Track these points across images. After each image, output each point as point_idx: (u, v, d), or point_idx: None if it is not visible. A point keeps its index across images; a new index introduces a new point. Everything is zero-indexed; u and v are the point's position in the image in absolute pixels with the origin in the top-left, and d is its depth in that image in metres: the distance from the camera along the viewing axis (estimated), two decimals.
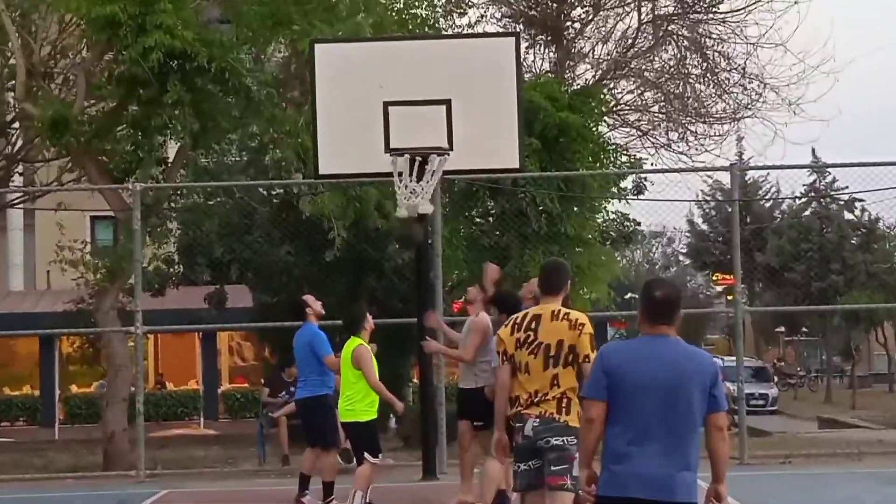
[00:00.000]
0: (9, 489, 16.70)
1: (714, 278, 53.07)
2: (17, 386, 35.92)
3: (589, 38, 22.47)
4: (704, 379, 5.08)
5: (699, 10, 21.61)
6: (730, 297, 27.32)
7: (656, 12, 21.77)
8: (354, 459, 12.14)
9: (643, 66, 22.43)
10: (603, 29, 22.39)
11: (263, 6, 19.14)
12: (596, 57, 22.47)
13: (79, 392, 34.62)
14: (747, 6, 21.22)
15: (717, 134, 23.02)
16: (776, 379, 46.20)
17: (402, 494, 15.10)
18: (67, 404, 34.07)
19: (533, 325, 7.09)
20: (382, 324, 18.56)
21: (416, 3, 21.06)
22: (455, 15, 22.49)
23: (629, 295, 50.70)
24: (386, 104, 14.42)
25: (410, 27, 20.39)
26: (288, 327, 19.71)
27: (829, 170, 38.77)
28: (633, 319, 63.65)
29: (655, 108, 22.72)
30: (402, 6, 21.02)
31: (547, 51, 21.98)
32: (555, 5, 21.58)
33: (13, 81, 21.62)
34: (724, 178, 29.85)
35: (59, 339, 33.24)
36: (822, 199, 43.27)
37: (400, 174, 14.53)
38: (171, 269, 26.33)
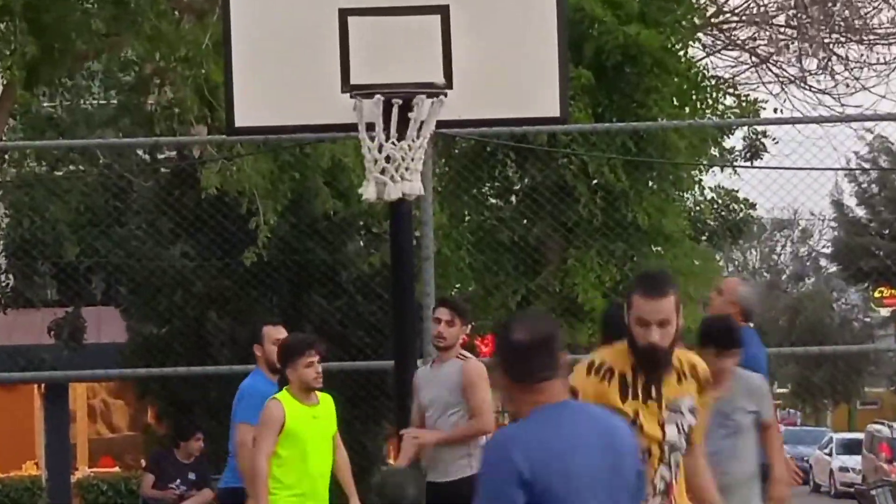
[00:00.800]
0: None
1: (878, 294, 48.60)
2: None
3: None
4: (636, 455, 4.96)
5: None
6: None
7: None
8: None
9: None
10: None
11: None
12: None
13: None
14: None
15: (882, 61, 21.86)
16: None
17: None
18: None
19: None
20: (337, 368, 17.84)
21: None
22: None
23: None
24: (343, 13, 11.87)
25: None
26: (184, 375, 19.91)
27: None
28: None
29: (782, 19, 21.55)
30: None
31: None
32: None
33: None
34: (894, 132, 28.10)
35: None
36: None
37: (368, 127, 11.73)
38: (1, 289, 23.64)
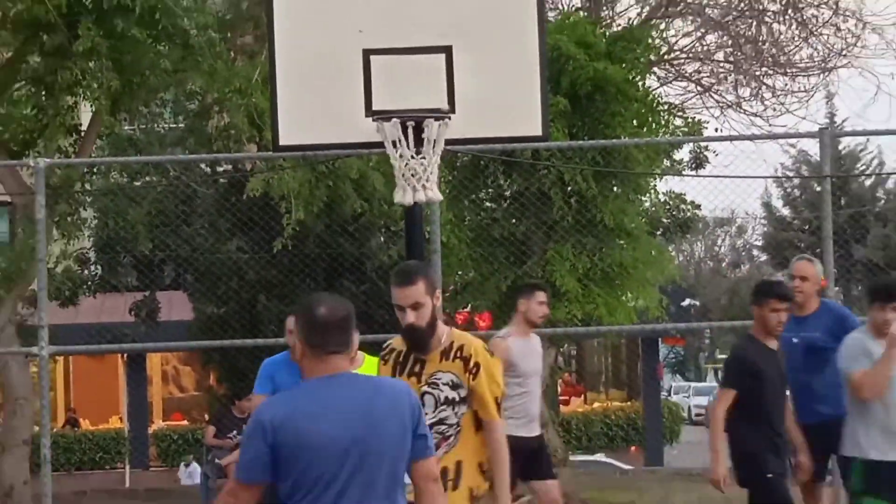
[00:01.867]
0: None
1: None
2: None
3: None
4: (405, 418, 4.79)
5: None
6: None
7: None
8: None
9: (705, 3, 21.32)
10: None
11: None
12: None
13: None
14: None
15: (802, 89, 21.53)
16: None
17: None
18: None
19: None
20: (362, 340, 19.37)
21: None
22: None
23: (688, 301, 47.62)
24: (366, 52, 11.28)
25: None
26: (240, 346, 19.73)
27: None
28: (693, 334, 62.48)
29: (721, 56, 21.46)
30: None
31: None
32: None
33: None
34: (812, 147, 28.99)
35: None
36: None
37: (395, 145, 11.76)
38: (86, 272, 24.38)
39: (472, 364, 6.40)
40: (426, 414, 5.89)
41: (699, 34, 21.67)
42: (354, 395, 4.76)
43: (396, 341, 6.69)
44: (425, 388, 6.48)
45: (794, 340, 10.12)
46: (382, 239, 22.52)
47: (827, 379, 10.02)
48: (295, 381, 8.87)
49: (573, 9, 20.16)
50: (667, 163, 20.87)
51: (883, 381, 8.77)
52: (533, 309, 11.35)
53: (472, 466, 6.45)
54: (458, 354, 6.43)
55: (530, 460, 10.82)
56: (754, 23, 21.20)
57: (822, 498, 10.82)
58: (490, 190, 18.70)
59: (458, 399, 6.44)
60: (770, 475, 9.37)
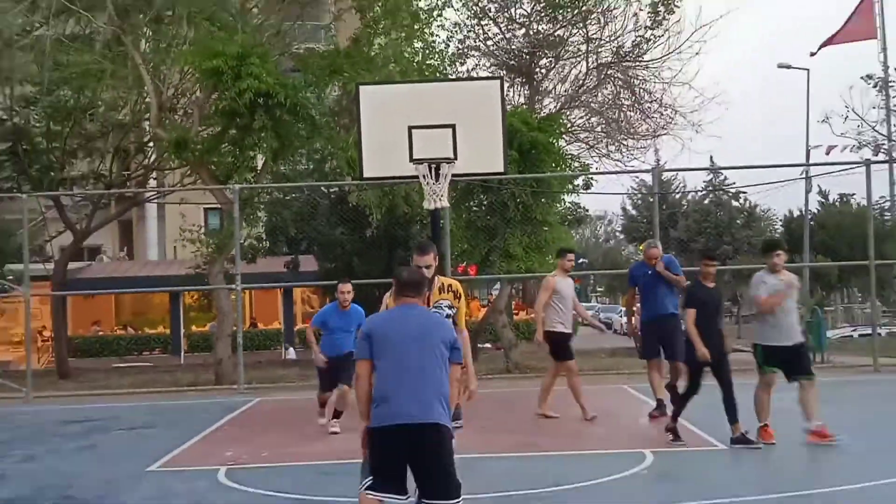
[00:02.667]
0: (148, 399, 18.27)
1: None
2: (154, 326, 38.19)
3: (551, 80, 23.77)
4: (446, 337, 5.75)
5: (629, 60, 22.24)
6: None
7: (599, 61, 23.00)
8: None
9: (590, 100, 23.42)
10: (561, 73, 23.75)
11: (323, 59, 20.73)
12: (556, 93, 23.76)
13: (197, 331, 36.03)
14: (663, 56, 22.17)
15: (642, 147, 24.19)
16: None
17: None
18: (189, 339, 35.67)
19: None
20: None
21: (430, 56, 21.94)
22: (457, 63, 22.91)
23: (581, 260, 51.33)
24: (410, 128, 15.15)
25: (427, 73, 21.25)
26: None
27: (721, 171, 40.73)
28: (584, 278, 64.40)
29: (599, 129, 23.69)
30: (420, 59, 21.75)
31: (522, 89, 23.42)
32: (527, 56, 22.90)
33: (148, 114, 22.44)
34: (647, 177, 30.00)
35: (182, 294, 34.00)
36: (716, 192, 44.10)
37: (424, 177, 15.30)
38: (261, 245, 26.34)
39: (457, 294, 7.30)
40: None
41: (587, 117, 23.42)
42: (416, 314, 5.81)
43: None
44: (433, 309, 7.09)
45: (649, 272, 12.47)
46: (419, 227, 23.55)
47: (659, 294, 12.29)
48: (338, 322, 11.17)
49: (519, 104, 22.00)
50: (570, 186, 22.74)
51: (776, 303, 9.87)
52: (566, 264, 13.04)
53: None
54: (449, 289, 7.29)
55: (564, 345, 12.66)
56: (617, 111, 22.96)
57: (661, 367, 12.44)
58: (474, 201, 20.96)
59: (450, 314, 7.12)
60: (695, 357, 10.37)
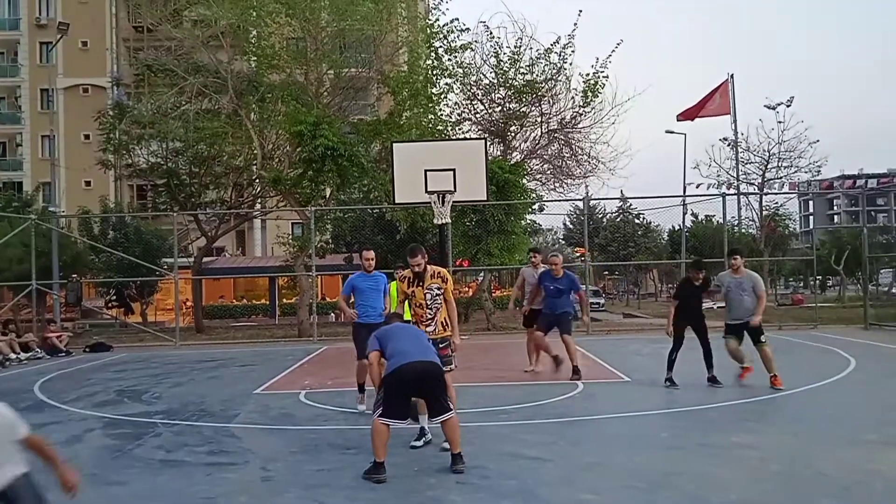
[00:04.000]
0: (253, 346, 18.17)
1: (576, 251, 51.82)
2: (258, 299, 37.18)
3: (518, 140, 23.03)
4: (427, 339, 5.99)
5: (568, 127, 22.05)
6: (583, 259, 25.56)
7: (549, 128, 22.14)
8: None
9: (543, 153, 22.93)
10: (524, 136, 22.65)
11: (369, 126, 21.14)
12: (521, 149, 23.00)
13: (286, 302, 33.67)
14: (591, 125, 22.05)
15: (576, 184, 23.82)
16: (604, 295, 46.75)
17: None
18: (281, 307, 34.14)
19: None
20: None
21: (439, 123, 21.81)
22: (456, 128, 22.68)
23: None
24: (426, 170, 15.87)
25: (436, 134, 21.19)
26: (381, 272, 22.30)
27: (628, 199, 40.60)
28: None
29: (548, 172, 23.31)
30: (432, 125, 21.52)
31: (498, 145, 22.65)
32: (502, 125, 22.37)
33: (255, 161, 22.76)
34: (580, 203, 30.02)
35: (277, 278, 33.01)
36: (624, 213, 45.56)
37: (434, 202, 16.03)
38: (328, 246, 26.02)
39: (444, 279, 6.72)
40: (429, 300, 6.60)
41: (541, 164, 23.22)
42: (406, 327, 5.91)
43: (408, 272, 6.72)
44: (426, 291, 6.61)
45: (551, 287, 10.59)
46: (431, 235, 22.96)
47: (559, 301, 10.60)
48: (366, 282, 8.17)
49: (496, 155, 21.68)
50: (530, 210, 23.32)
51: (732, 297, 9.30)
52: (534, 259, 11.56)
53: (443, 316, 6.70)
54: (438, 275, 6.70)
55: (532, 318, 11.02)
56: (561, 161, 22.82)
57: (543, 339, 10.70)
58: (467, 218, 20.73)
59: (439, 294, 6.66)
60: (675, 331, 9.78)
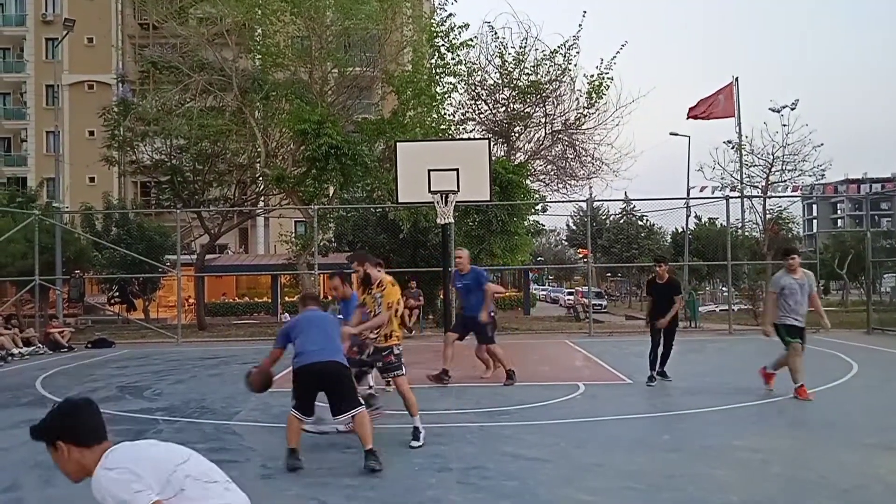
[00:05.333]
0: (255, 344, 17.81)
1: (579, 251, 53.15)
2: (261, 297, 37.04)
3: (521, 141, 22.91)
4: (334, 322, 5.94)
5: (573, 128, 21.92)
6: (585, 260, 26.81)
7: (553, 129, 22.41)
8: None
9: (546, 154, 22.85)
10: (528, 136, 22.96)
11: (373, 125, 20.85)
12: (525, 149, 22.90)
13: (288, 300, 32.99)
14: (595, 126, 21.96)
15: (580, 185, 23.77)
16: (606, 296, 47.16)
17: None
18: (284, 306, 33.46)
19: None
20: (427, 271, 20.82)
21: (442, 123, 21.58)
22: (460, 128, 22.50)
23: (539, 258, 50.90)
24: (429, 170, 15.62)
25: (440, 134, 21.01)
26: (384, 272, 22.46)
27: (631, 201, 41.21)
28: (539, 270, 64.77)
29: (552, 173, 23.18)
30: (436, 125, 21.22)
31: (502, 146, 22.55)
32: (506, 125, 22.29)
33: (259, 159, 22.42)
34: (583, 205, 31.63)
35: (280, 275, 32.14)
36: (627, 215, 45.66)
37: (437, 202, 15.82)
38: (330, 245, 25.33)
39: (384, 289, 6.68)
40: (378, 307, 6.62)
41: (545, 165, 22.92)
42: (317, 314, 5.90)
43: (356, 278, 6.94)
44: (372, 298, 6.72)
45: (459, 285, 10.17)
46: (433, 235, 22.36)
47: (469, 301, 10.03)
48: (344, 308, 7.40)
49: (500, 155, 21.62)
50: (533, 210, 22.82)
51: (770, 306, 8.78)
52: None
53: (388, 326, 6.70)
54: (379, 285, 6.73)
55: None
56: (564, 162, 22.73)
57: (449, 342, 10.13)
58: (470, 218, 20.63)
59: (381, 302, 6.67)
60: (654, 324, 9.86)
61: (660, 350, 9.92)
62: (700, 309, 25.16)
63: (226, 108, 21.99)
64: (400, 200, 16.82)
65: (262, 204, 27.80)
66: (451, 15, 21.13)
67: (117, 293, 27.18)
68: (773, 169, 28.00)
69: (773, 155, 27.90)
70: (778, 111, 28.63)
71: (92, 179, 39.52)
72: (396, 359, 6.63)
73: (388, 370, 6.63)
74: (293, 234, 25.18)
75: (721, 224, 34.16)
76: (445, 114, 22.07)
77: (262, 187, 25.76)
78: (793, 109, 28.18)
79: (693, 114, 28.48)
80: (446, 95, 21.80)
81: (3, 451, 6.42)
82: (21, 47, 45.20)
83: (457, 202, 16.33)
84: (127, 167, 26.74)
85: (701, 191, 28.34)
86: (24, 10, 44.95)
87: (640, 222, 45.45)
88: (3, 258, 20.80)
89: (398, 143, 17.12)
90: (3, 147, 46.36)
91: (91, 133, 38.09)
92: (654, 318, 9.74)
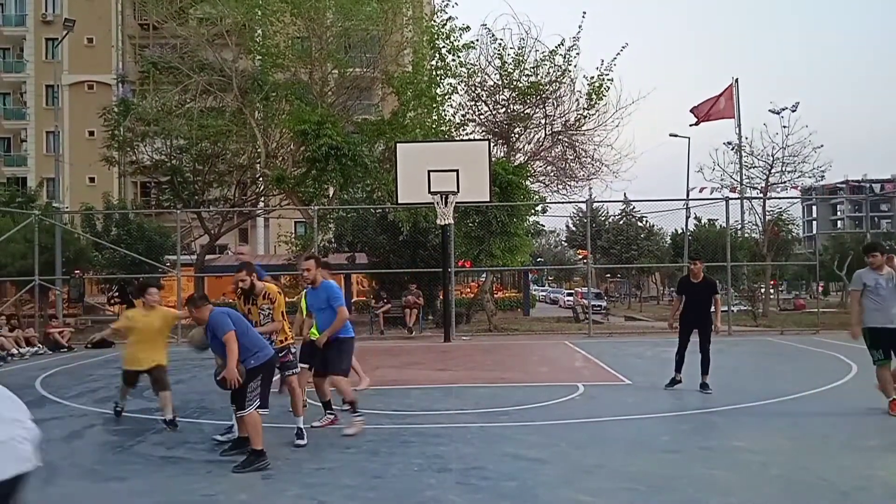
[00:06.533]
0: None
1: (579, 252, 52.60)
2: None
3: (521, 142, 22.62)
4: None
5: (572, 129, 21.78)
6: (585, 261, 26.38)
7: (553, 130, 22.17)
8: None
9: (546, 155, 22.55)
10: (528, 137, 22.65)
11: (373, 126, 20.99)
12: (524, 150, 22.60)
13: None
14: (594, 127, 21.82)
15: (579, 186, 23.42)
16: (606, 297, 47.18)
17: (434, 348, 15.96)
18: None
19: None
20: (427, 271, 20.88)
21: (442, 124, 21.54)
22: (460, 129, 22.26)
23: (539, 258, 50.94)
24: (429, 171, 16.26)
25: (440, 135, 20.91)
26: (383, 272, 21.72)
27: (631, 202, 41.48)
28: (538, 271, 64.58)
29: (551, 174, 22.91)
30: (436, 126, 21.26)
31: (502, 147, 22.27)
32: (506, 126, 22.03)
33: (259, 159, 22.52)
34: (583, 206, 31.76)
35: (281, 276, 30.34)
36: (627, 216, 45.47)
37: (437, 203, 16.37)
38: (330, 245, 25.72)
39: (272, 299, 6.73)
40: (262, 316, 6.67)
41: (544, 166, 22.84)
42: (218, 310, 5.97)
43: (240, 290, 6.72)
44: (259, 310, 6.74)
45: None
46: (433, 235, 22.36)
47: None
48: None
49: (500, 156, 21.44)
50: (533, 211, 22.76)
51: (855, 306, 8.00)
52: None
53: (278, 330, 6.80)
54: (266, 296, 6.73)
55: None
56: (564, 163, 22.57)
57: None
58: (470, 219, 20.48)
59: (268, 312, 6.72)
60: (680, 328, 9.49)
61: (685, 353, 9.47)
62: None
63: (226, 108, 22.02)
64: (400, 201, 16.98)
65: (262, 204, 27.84)
66: (450, 18, 21.23)
67: (117, 293, 27.18)
68: (773, 170, 28.29)
69: (772, 156, 28.20)
70: (778, 113, 28.74)
71: (92, 179, 39.60)
72: (294, 357, 6.91)
73: (286, 368, 6.82)
74: (293, 235, 25.57)
75: (721, 225, 34.29)
76: (445, 116, 22.07)
77: (262, 188, 25.86)
78: (793, 111, 28.37)
79: (696, 116, 28.66)
80: (446, 97, 21.80)
81: None
82: (21, 47, 45.32)
83: (456, 203, 16.55)
84: (127, 167, 26.78)
85: (700, 192, 28.67)
86: (25, 11, 45.06)
87: (639, 223, 45.40)
88: (2, 258, 20.77)
89: (398, 144, 17.13)
90: (3, 147, 46.49)
91: (91, 133, 38.21)
92: (683, 319, 9.36)
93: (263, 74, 21.34)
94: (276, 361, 6.13)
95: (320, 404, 7.44)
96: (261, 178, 25.00)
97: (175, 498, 5.16)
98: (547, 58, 21.33)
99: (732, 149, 28.79)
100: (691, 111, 28.95)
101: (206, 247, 26.71)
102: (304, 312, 7.34)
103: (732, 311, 21.59)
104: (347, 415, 7.12)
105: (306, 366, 7.21)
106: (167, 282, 27.72)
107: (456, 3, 35.51)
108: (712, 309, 9.31)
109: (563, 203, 26.05)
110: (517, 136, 22.46)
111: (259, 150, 21.76)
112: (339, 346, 6.96)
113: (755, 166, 28.37)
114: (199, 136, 22.28)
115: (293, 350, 6.86)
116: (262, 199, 27.00)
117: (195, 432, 7.39)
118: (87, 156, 35.09)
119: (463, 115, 22.60)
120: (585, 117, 21.92)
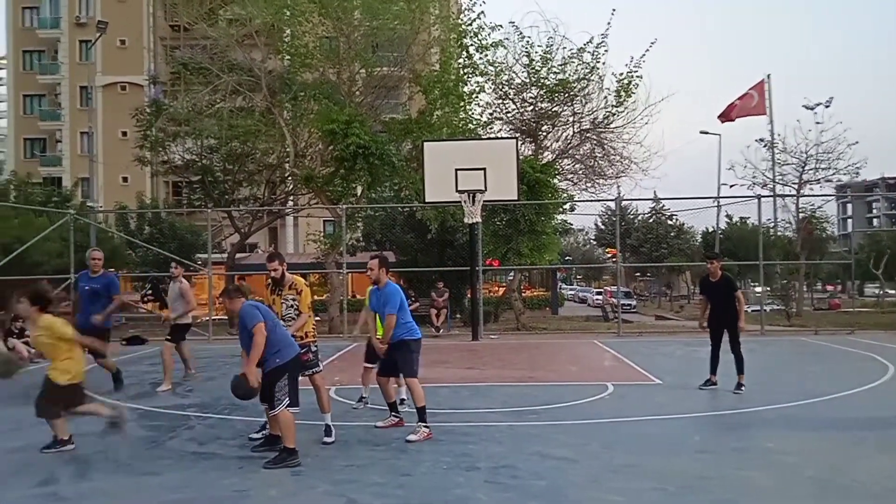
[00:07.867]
0: None
1: (608, 251, 52.11)
2: None
3: (549, 140, 22.56)
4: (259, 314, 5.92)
5: (601, 127, 21.85)
6: (614, 260, 26.62)
7: (581, 128, 22.11)
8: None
9: (574, 153, 22.58)
10: (556, 135, 22.62)
11: (400, 125, 20.99)
12: (552, 148, 22.59)
13: (318, 299, 31.12)
14: (623, 125, 21.81)
15: (608, 184, 23.44)
16: (635, 296, 46.34)
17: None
18: (312, 304, 34.85)
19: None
20: (454, 270, 20.93)
21: (470, 123, 21.53)
22: (487, 128, 22.33)
23: (567, 257, 50.98)
24: (456, 169, 16.23)
25: (467, 134, 20.97)
26: (411, 270, 22.41)
27: (661, 200, 40.38)
28: (568, 269, 64.42)
29: (580, 172, 22.91)
30: (463, 124, 21.24)
31: (529, 145, 22.20)
32: (534, 124, 22.02)
33: (288, 158, 22.55)
34: (612, 204, 31.57)
35: (309, 274, 29.76)
36: (657, 214, 45.07)
37: (464, 202, 16.33)
38: (358, 244, 26.23)
39: (299, 290, 6.78)
40: (284, 311, 6.69)
41: (573, 164, 22.89)
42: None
43: (270, 280, 6.84)
44: (283, 301, 6.82)
45: (87, 287, 9.24)
46: (461, 234, 22.36)
47: (98, 306, 9.15)
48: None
49: (528, 154, 21.37)
50: (561, 209, 22.75)
51: None
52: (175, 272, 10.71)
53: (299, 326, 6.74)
54: (293, 286, 6.77)
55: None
56: (593, 161, 22.49)
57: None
58: (497, 217, 20.54)
59: (294, 305, 6.79)
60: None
61: (719, 353, 9.44)
62: None
63: (255, 108, 22.15)
64: (427, 200, 17.01)
65: (291, 203, 27.94)
66: (480, 14, 21.11)
67: (150, 291, 27.58)
68: (807, 167, 27.87)
69: (806, 153, 27.77)
70: (812, 109, 28.27)
71: (125, 179, 40.23)
72: (314, 356, 6.81)
73: (306, 367, 6.68)
74: (322, 234, 25.07)
75: (753, 223, 33.82)
76: (473, 114, 22.04)
77: (291, 187, 25.96)
78: (827, 107, 27.90)
79: (724, 117, 28.36)
80: (474, 95, 21.76)
81: (40, 446, 6.52)
82: (56, 49, 46.20)
83: (484, 201, 16.50)
84: (159, 167, 26.97)
85: (731, 188, 28.62)
86: (59, 13, 45.95)
87: (669, 222, 44.95)
88: (39, 256, 21.01)
89: (425, 143, 17.14)
90: (39, 147, 47.43)
91: (124, 133, 38.68)
92: (710, 319, 9.34)
93: (292, 74, 21.43)
94: (301, 359, 6.14)
95: (386, 406, 7.34)
96: (290, 178, 25.06)
97: (206, 493, 5.20)
98: (575, 55, 21.26)
99: (765, 146, 28.54)
100: (719, 117, 28.57)
101: (237, 245, 26.75)
102: (368, 309, 7.31)
103: (765, 310, 21.31)
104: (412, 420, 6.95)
105: (371, 365, 7.44)
106: (198, 280, 27.90)
107: (484, 1, 35.84)
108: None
109: (591, 201, 26.19)
110: (545, 133, 22.37)
111: (288, 149, 21.84)
112: (406, 348, 6.91)
113: (788, 163, 28.11)
114: (229, 136, 22.39)
115: (313, 349, 6.83)
116: (291, 198, 27.11)
117: (227, 428, 7.45)
118: (121, 156, 35.52)
119: (490, 114, 22.55)
120: (614, 115, 21.81)
